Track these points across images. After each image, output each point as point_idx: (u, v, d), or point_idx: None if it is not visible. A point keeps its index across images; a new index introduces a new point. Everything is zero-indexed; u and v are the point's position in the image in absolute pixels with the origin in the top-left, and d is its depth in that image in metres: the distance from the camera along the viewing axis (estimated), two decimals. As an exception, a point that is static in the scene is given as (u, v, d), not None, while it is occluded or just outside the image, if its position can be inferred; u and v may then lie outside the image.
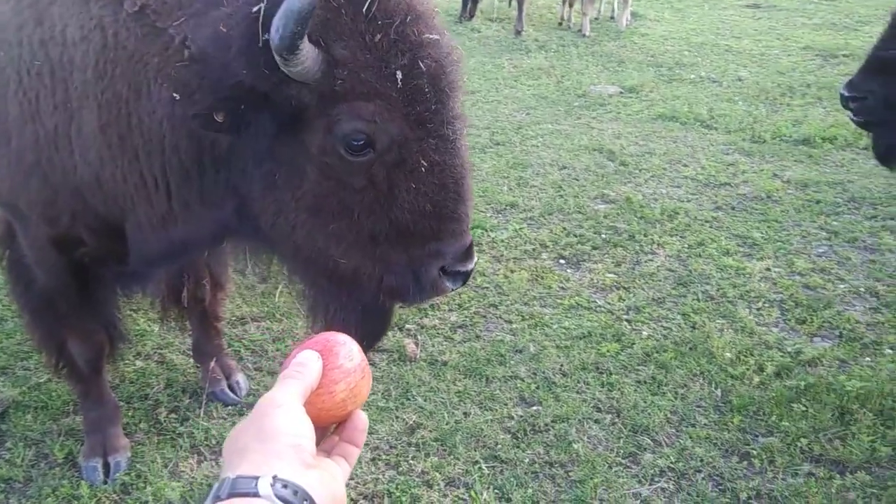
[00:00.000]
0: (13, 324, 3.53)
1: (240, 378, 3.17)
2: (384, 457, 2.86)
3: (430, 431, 2.98)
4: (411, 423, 3.03)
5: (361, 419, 0.98)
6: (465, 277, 1.93)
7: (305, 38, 1.56)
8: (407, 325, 3.69)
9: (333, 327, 2.01)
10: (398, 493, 2.68)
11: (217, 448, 2.88)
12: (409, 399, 3.17)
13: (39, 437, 2.89)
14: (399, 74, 1.68)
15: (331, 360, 0.95)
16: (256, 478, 0.75)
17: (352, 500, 2.64)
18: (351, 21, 1.66)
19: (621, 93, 7.93)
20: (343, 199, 1.80)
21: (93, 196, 2.09)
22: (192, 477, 2.73)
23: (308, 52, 1.59)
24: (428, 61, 1.72)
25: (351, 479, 2.74)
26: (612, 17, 11.58)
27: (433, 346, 3.54)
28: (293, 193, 1.83)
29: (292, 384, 0.89)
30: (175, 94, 1.78)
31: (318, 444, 0.94)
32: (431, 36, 1.74)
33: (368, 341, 2.10)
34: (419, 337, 3.61)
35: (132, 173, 2.00)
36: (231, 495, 0.74)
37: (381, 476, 2.76)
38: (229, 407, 3.09)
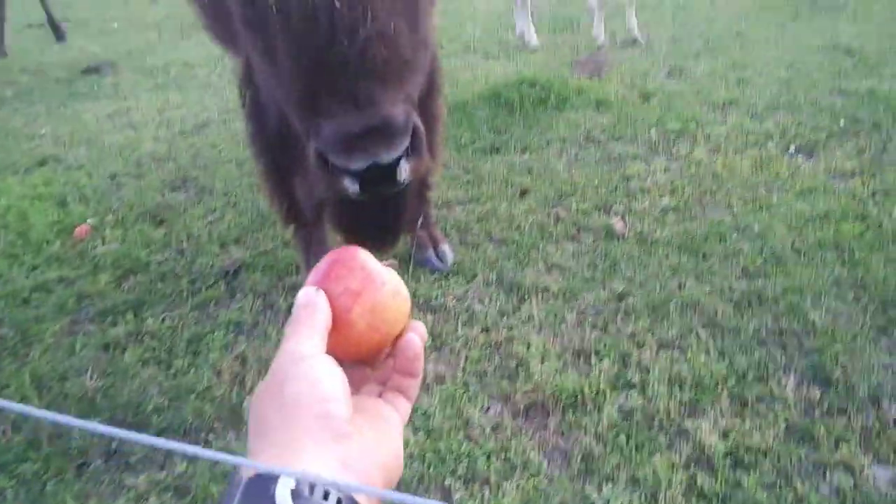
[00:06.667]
0: (244, 204, 3.84)
1: (446, 248, 3.18)
2: (590, 320, 2.72)
3: (640, 299, 2.80)
4: (619, 291, 2.86)
5: (412, 344, 0.79)
6: None
7: None
8: (613, 207, 3.50)
9: None
10: (605, 351, 2.54)
11: (424, 306, 2.92)
12: (615, 272, 3.00)
13: (266, 291, 3.11)
14: None
15: (331, 287, 0.75)
16: (276, 478, 0.58)
17: (557, 354, 2.54)
18: None
19: (862, -6, 6.96)
20: None
21: None
22: (401, 327, 2.78)
23: None
24: None
25: (556, 335, 2.64)
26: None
27: (642, 226, 3.32)
28: None
29: (304, 331, 0.72)
30: None
31: (365, 382, 0.81)
32: None
33: None
34: (627, 218, 3.40)
35: None
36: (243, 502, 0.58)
37: (586, 335, 2.63)
38: (435, 274, 3.12)
